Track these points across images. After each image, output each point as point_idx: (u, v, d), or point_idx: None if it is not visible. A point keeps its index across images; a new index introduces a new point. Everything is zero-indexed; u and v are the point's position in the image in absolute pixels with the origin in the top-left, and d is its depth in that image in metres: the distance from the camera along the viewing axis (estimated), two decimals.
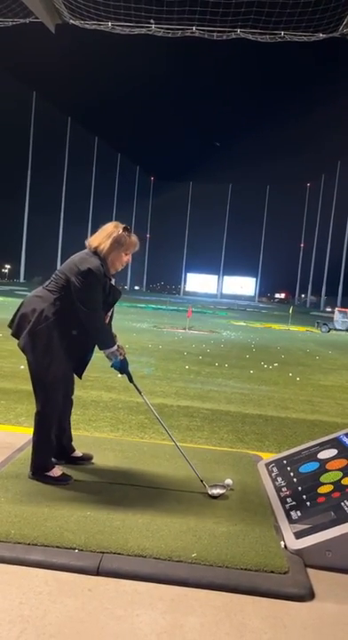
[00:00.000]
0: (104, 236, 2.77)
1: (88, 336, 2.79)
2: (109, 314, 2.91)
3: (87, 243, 2.82)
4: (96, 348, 2.90)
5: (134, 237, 2.81)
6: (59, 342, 2.70)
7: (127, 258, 2.84)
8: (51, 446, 2.87)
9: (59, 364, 2.74)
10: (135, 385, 2.96)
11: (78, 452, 3.14)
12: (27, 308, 2.74)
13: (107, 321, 2.89)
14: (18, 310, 2.79)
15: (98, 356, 2.95)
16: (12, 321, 2.79)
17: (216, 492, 2.81)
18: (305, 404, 6.00)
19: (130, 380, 2.95)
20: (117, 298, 2.88)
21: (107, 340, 2.77)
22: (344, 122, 60.33)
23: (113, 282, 2.86)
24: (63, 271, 2.75)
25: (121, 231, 2.76)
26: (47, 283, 2.82)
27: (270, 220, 72.58)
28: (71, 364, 2.86)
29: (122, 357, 2.82)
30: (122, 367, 2.86)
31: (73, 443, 3.14)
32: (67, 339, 2.72)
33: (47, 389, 2.76)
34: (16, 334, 2.78)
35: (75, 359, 2.86)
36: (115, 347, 2.78)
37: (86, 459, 3.13)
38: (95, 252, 2.75)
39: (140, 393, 2.99)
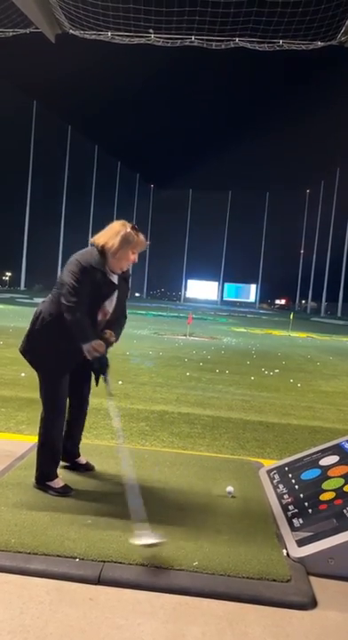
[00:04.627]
0: (112, 234, 2.72)
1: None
2: (110, 310, 2.79)
3: (92, 240, 2.76)
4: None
5: (142, 236, 2.78)
6: (56, 343, 2.66)
7: (134, 257, 2.78)
8: (56, 454, 2.83)
9: (57, 365, 2.71)
10: (108, 386, 2.77)
11: (82, 459, 3.13)
12: (34, 313, 2.79)
13: (107, 318, 2.80)
14: None
15: None
16: None
17: (145, 541, 2.19)
18: (307, 410, 5.99)
19: (104, 380, 2.76)
20: (110, 292, 2.75)
21: (82, 335, 2.59)
22: (343, 128, 60.59)
23: (113, 279, 2.77)
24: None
25: (129, 229, 2.72)
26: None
27: (270, 226, 72.83)
28: (72, 365, 2.77)
29: (97, 355, 2.62)
30: (99, 365, 2.69)
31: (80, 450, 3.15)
32: (65, 340, 2.63)
33: (51, 393, 2.76)
34: None
35: (77, 361, 2.75)
36: (89, 344, 2.58)
37: (89, 468, 3.12)
38: (102, 250, 2.71)
39: (110, 396, 2.78)
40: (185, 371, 8.32)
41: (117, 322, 2.88)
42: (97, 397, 5.55)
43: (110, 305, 2.81)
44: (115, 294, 2.81)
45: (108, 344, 2.77)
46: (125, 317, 2.99)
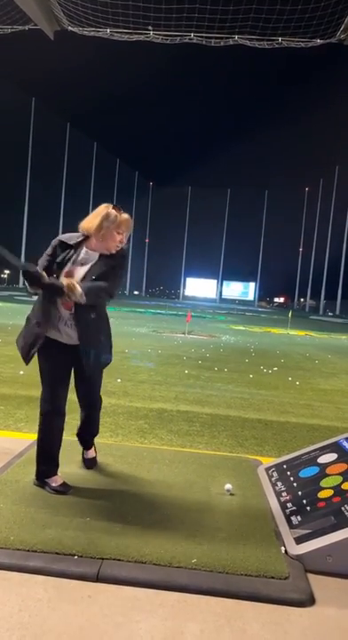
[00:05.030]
0: (94, 216, 2.75)
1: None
2: (74, 278, 2.65)
3: (79, 227, 2.81)
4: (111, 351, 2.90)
5: (125, 215, 2.75)
6: (28, 325, 2.75)
7: (120, 237, 2.74)
8: (55, 452, 2.82)
9: (31, 341, 2.68)
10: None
11: (89, 453, 3.16)
12: None
13: (75, 281, 2.61)
14: None
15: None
16: None
17: None
18: (305, 408, 5.99)
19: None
20: (66, 256, 2.71)
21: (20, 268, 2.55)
22: (342, 126, 60.56)
23: (87, 254, 2.72)
24: None
25: (111, 209, 2.73)
26: None
27: (269, 224, 72.80)
28: (36, 339, 2.67)
29: (24, 269, 2.51)
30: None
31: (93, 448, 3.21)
32: (36, 319, 2.71)
33: (49, 391, 2.76)
34: None
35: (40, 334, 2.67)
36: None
37: (88, 465, 3.13)
38: (86, 233, 2.75)
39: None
40: (183, 369, 8.33)
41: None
42: None
43: (76, 272, 2.69)
44: (87, 265, 2.71)
45: (59, 288, 2.52)
46: (109, 286, 2.70)
